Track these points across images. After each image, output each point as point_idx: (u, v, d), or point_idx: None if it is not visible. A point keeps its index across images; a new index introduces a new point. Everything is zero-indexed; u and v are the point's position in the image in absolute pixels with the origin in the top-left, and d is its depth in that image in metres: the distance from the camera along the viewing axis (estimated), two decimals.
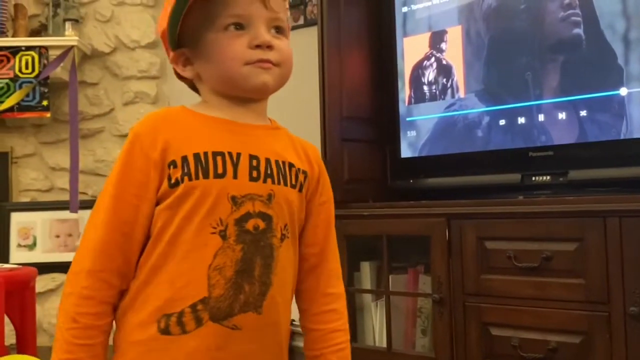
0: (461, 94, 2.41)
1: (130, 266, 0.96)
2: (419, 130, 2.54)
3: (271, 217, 0.98)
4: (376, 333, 2.48)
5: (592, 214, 1.89)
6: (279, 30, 1.03)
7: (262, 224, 0.96)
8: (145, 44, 3.93)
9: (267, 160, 1.00)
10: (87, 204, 3.77)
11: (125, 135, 3.89)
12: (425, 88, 2.52)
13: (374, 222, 2.39)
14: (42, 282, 3.46)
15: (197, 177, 0.94)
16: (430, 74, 2.51)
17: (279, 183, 1.00)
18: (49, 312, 3.49)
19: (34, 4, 3.89)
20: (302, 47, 3.26)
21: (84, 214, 3.74)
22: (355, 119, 2.59)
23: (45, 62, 3.63)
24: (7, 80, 3.60)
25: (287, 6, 1.06)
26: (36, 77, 3.60)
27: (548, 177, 2.15)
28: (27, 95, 3.60)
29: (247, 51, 0.98)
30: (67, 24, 3.71)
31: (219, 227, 0.94)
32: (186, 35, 1.01)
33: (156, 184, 0.95)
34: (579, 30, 2.12)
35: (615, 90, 2.05)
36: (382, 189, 2.60)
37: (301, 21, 3.30)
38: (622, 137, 2.05)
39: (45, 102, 3.63)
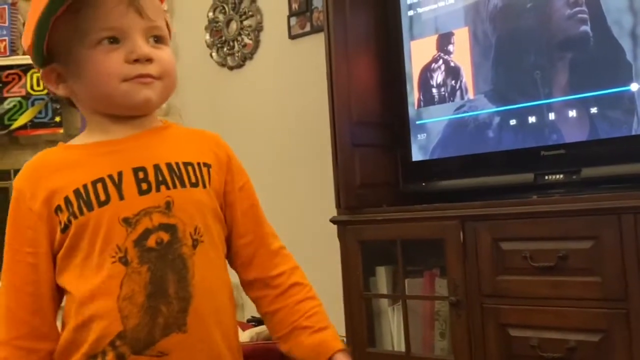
0: (470, 95, 2.41)
1: (49, 324, 0.92)
2: (429, 133, 2.54)
3: (175, 226, 0.91)
4: (394, 338, 2.48)
5: (607, 211, 1.88)
6: (158, 39, 0.94)
7: (165, 237, 0.89)
8: None
9: (156, 167, 0.92)
10: None
11: None
12: (434, 90, 2.52)
13: (387, 226, 2.39)
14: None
15: (82, 213, 0.88)
16: (438, 77, 2.51)
17: (175, 187, 0.92)
18: None
19: None
20: (310, 54, 3.27)
21: None
22: (365, 123, 2.60)
23: None
24: (19, 98, 3.63)
25: (165, 9, 0.97)
26: (48, 94, 3.64)
27: (561, 176, 2.14)
28: (40, 112, 3.64)
29: (125, 66, 0.90)
30: None
31: (118, 254, 0.87)
32: (56, 49, 0.92)
33: (47, 236, 0.90)
34: (586, 28, 2.12)
35: (625, 86, 2.04)
36: (395, 193, 2.60)
37: (307, 28, 3.31)
38: (633, 132, 2.04)
39: (57, 118, 3.66)
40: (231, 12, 3.71)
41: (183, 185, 0.93)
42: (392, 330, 2.49)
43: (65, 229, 0.89)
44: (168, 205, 0.91)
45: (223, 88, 3.76)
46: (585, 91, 2.13)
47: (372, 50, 2.67)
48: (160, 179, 0.92)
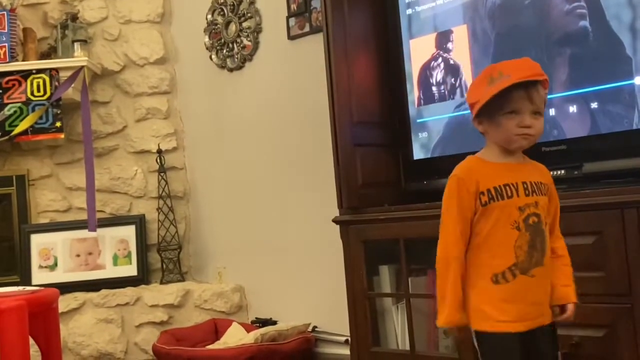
0: None
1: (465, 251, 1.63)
2: (430, 131, 2.54)
3: (539, 215, 1.59)
4: (399, 336, 2.48)
5: (609, 206, 1.88)
6: (537, 114, 1.58)
7: (536, 219, 1.58)
8: (154, 60, 3.96)
9: (530, 183, 1.60)
10: (106, 222, 3.80)
11: (139, 152, 3.93)
12: (434, 89, 2.52)
13: (390, 225, 2.39)
14: (65, 302, 3.48)
15: (496, 200, 1.57)
16: (438, 75, 2.51)
17: (539, 195, 1.60)
18: (73, 332, 3.51)
19: (42, 27, 3.93)
20: (309, 55, 3.27)
21: (103, 232, 3.77)
22: (366, 123, 2.60)
23: (57, 83, 3.67)
24: (19, 104, 3.64)
25: (546, 92, 1.62)
26: (48, 99, 3.64)
27: (562, 172, 2.14)
28: (41, 118, 3.64)
29: (516, 129, 1.56)
30: (76, 45, 3.75)
31: (515, 224, 1.56)
32: (484, 109, 1.61)
33: (474, 205, 1.59)
34: (585, 23, 2.12)
35: (625, 81, 2.04)
36: (397, 192, 2.60)
37: (307, 28, 3.31)
38: (634, 127, 2.03)
39: (58, 124, 3.66)
40: (230, 14, 3.71)
41: (540, 194, 1.61)
42: (397, 329, 2.49)
43: (484, 205, 1.58)
44: (536, 204, 1.59)
45: (223, 90, 3.77)
46: (585, 86, 2.13)
47: (372, 49, 2.67)
48: (534, 189, 1.60)
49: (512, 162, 1.63)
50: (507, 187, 1.58)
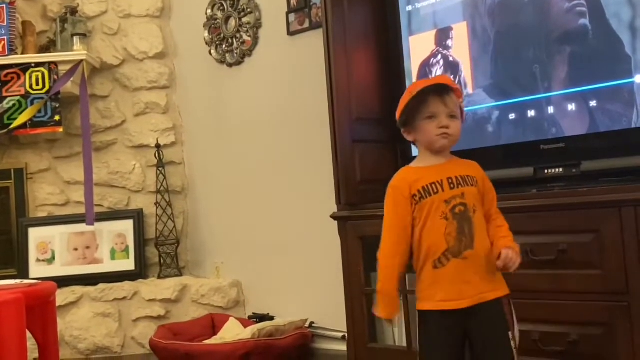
0: (469, 89, 2.41)
1: (409, 245, 1.81)
2: None
3: (466, 204, 1.76)
4: (396, 332, 2.48)
5: (607, 205, 1.88)
6: (452, 116, 1.79)
7: (462, 208, 1.76)
8: (154, 54, 3.96)
9: (456, 177, 1.78)
10: (104, 216, 3.80)
11: (138, 146, 3.93)
12: None
13: None
14: (63, 296, 3.48)
15: (425, 198, 1.76)
16: (437, 72, 2.51)
17: (465, 186, 1.78)
18: (70, 325, 3.51)
19: (41, 20, 3.93)
20: (309, 51, 3.27)
21: (101, 227, 3.77)
22: (365, 119, 2.60)
23: (56, 77, 3.66)
24: (18, 98, 3.63)
25: (461, 101, 1.83)
26: (47, 92, 3.64)
27: (561, 170, 2.14)
28: (39, 111, 3.64)
29: (436, 130, 1.77)
30: (76, 39, 3.75)
31: (443, 215, 1.75)
32: (408, 119, 1.84)
33: (410, 207, 1.78)
34: (585, 21, 2.12)
35: (624, 79, 2.04)
36: None
37: (306, 24, 3.31)
38: (633, 125, 2.04)
39: (57, 117, 3.66)
40: (230, 9, 3.71)
41: (466, 185, 1.78)
42: (394, 326, 2.49)
43: (417, 203, 1.77)
44: (462, 195, 1.76)
45: (222, 85, 3.77)
46: (584, 84, 2.13)
47: (371, 46, 2.67)
48: (460, 182, 1.78)
49: (439, 163, 1.83)
50: (434, 185, 1.78)
